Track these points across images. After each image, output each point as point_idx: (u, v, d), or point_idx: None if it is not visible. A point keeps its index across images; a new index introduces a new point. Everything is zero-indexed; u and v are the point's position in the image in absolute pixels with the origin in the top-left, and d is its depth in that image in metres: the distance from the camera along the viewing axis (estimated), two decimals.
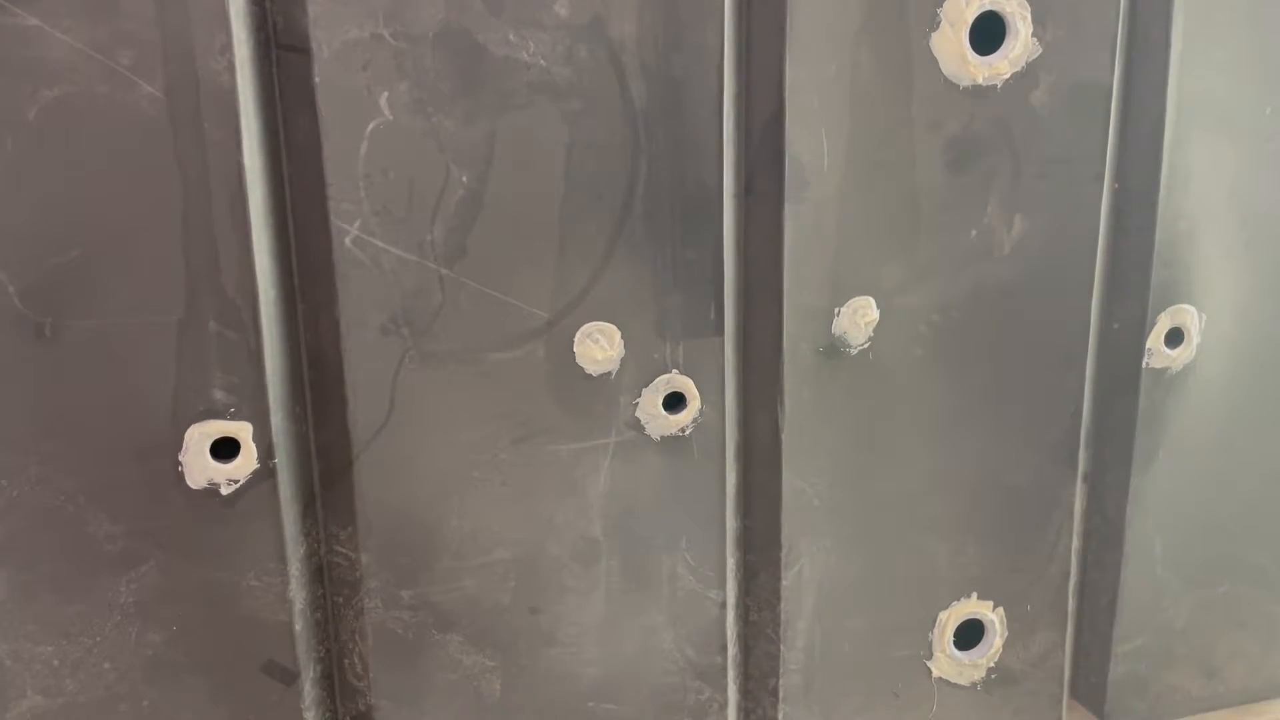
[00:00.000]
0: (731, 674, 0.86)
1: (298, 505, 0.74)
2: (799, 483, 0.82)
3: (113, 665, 0.72)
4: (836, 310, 0.80)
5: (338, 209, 0.69)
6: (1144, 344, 0.86)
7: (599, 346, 0.76)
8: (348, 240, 0.69)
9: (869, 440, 0.83)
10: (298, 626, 0.75)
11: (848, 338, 0.80)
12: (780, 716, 0.87)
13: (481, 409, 0.75)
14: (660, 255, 0.75)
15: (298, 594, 0.74)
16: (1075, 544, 0.91)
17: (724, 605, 0.84)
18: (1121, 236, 0.85)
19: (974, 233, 0.81)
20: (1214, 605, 0.96)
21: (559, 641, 0.81)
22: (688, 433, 0.79)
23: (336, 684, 0.79)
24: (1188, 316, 0.87)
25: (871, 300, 0.80)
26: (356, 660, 0.78)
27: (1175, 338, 0.87)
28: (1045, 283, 0.83)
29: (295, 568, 0.74)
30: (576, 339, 0.75)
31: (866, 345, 0.81)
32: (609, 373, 0.76)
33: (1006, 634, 0.91)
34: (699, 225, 0.76)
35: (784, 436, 0.81)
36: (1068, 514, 0.89)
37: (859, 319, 0.80)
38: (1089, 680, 0.96)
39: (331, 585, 0.77)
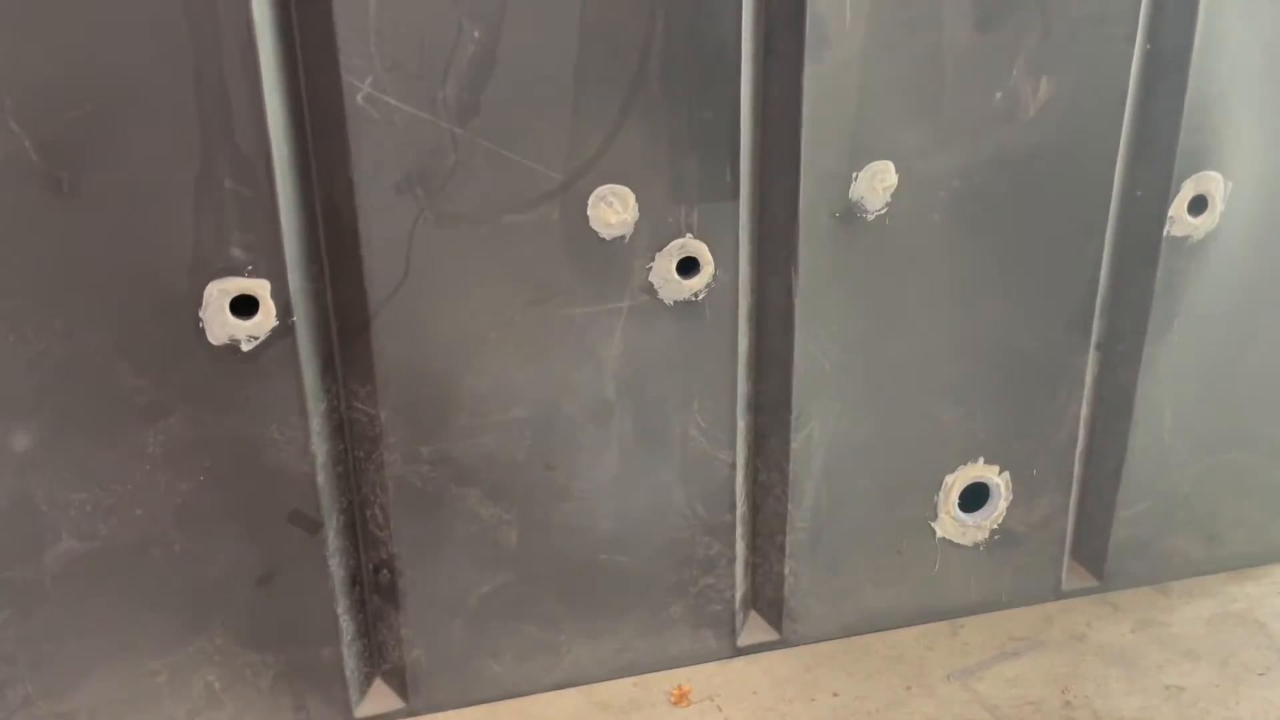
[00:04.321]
0: (740, 530, 0.89)
1: (317, 362, 0.75)
2: (811, 347, 0.83)
3: (144, 511, 0.75)
4: (854, 174, 0.79)
5: (349, 64, 0.68)
6: (1166, 211, 0.85)
7: (613, 210, 0.75)
8: (359, 97, 0.69)
9: (882, 306, 0.83)
10: (320, 479, 0.77)
11: (865, 203, 0.80)
12: (786, 571, 0.90)
13: (496, 270, 0.75)
14: (676, 116, 0.74)
15: (319, 448, 0.77)
16: (1085, 412, 0.92)
17: (734, 465, 0.86)
18: (1151, 100, 0.83)
19: (999, 95, 0.79)
20: (1220, 472, 0.97)
21: (573, 496, 0.83)
22: (700, 298, 0.79)
23: (359, 533, 0.82)
24: (1213, 183, 0.85)
25: (890, 165, 0.79)
26: (378, 511, 0.81)
27: (1199, 205, 0.86)
28: (1069, 148, 0.82)
29: (316, 423, 0.76)
30: (590, 202, 0.75)
31: (884, 211, 0.80)
32: (623, 236, 0.76)
33: (1011, 497, 0.93)
34: (716, 85, 0.74)
35: (797, 301, 0.81)
36: (1078, 381, 0.90)
37: (877, 184, 0.79)
38: (1090, 543, 0.98)
39: (352, 440, 0.79)
